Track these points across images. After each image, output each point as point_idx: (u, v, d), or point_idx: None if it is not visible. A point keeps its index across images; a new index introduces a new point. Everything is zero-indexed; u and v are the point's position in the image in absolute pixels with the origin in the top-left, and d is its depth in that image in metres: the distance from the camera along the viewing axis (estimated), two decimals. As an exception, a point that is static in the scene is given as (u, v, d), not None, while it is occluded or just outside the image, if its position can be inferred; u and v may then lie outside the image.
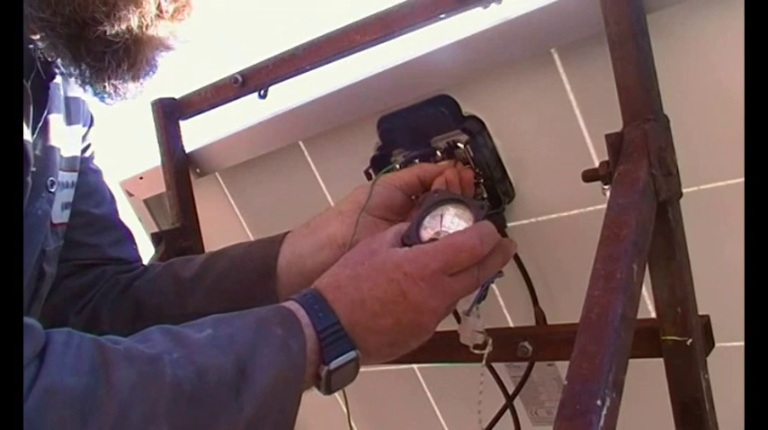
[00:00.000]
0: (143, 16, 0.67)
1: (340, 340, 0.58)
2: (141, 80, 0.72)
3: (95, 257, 0.89)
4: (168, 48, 0.72)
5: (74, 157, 0.84)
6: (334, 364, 0.57)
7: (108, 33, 0.66)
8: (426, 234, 0.67)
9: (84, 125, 0.87)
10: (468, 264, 0.61)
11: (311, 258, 0.77)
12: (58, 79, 0.77)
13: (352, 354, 0.58)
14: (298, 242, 0.79)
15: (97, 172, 0.92)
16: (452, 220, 0.68)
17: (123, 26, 0.66)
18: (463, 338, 0.70)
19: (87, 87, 0.71)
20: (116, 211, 0.94)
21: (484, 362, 0.70)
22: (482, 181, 0.83)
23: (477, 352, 0.69)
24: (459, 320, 0.71)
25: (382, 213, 0.76)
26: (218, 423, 0.50)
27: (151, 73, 0.73)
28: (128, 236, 0.94)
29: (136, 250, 0.94)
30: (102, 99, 0.72)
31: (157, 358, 0.50)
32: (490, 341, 0.69)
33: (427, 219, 0.68)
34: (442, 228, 0.68)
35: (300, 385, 0.56)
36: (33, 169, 0.70)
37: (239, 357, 0.53)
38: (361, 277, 0.60)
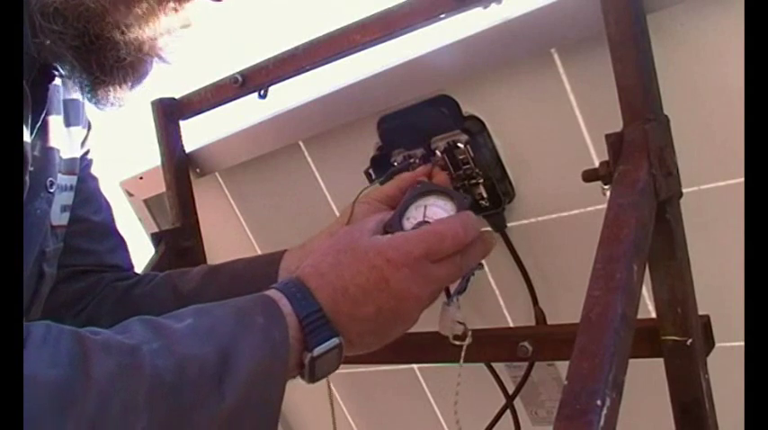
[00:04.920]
0: (154, 35, 0.69)
1: (322, 327, 0.57)
2: (135, 88, 0.73)
3: (93, 263, 0.90)
4: (166, 62, 0.73)
5: (73, 160, 0.84)
6: (317, 351, 0.56)
7: (121, 52, 0.67)
8: (409, 224, 0.67)
9: (83, 127, 0.88)
10: (452, 250, 0.61)
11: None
12: (58, 81, 0.77)
13: (335, 341, 0.58)
14: (293, 262, 0.80)
15: (96, 179, 0.93)
16: (435, 211, 0.67)
17: (136, 44, 0.68)
18: (442, 328, 0.69)
19: (86, 94, 0.71)
20: (113, 219, 0.95)
21: (462, 354, 0.69)
22: (482, 181, 0.83)
23: (456, 343, 0.69)
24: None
25: None
26: (200, 412, 0.50)
27: (144, 80, 0.74)
28: (123, 244, 0.95)
29: (130, 258, 0.96)
30: (96, 105, 0.73)
31: (136, 348, 0.49)
32: (470, 333, 0.68)
33: (410, 209, 0.68)
34: (425, 219, 0.67)
35: (284, 374, 0.55)
36: (31, 169, 0.71)
37: (221, 347, 0.52)
38: (343, 264, 0.60)
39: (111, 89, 0.70)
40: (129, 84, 0.71)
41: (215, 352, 0.52)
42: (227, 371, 0.52)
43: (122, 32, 0.67)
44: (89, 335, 0.49)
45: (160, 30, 0.69)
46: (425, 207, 0.68)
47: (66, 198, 0.82)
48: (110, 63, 0.68)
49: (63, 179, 0.81)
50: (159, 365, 0.49)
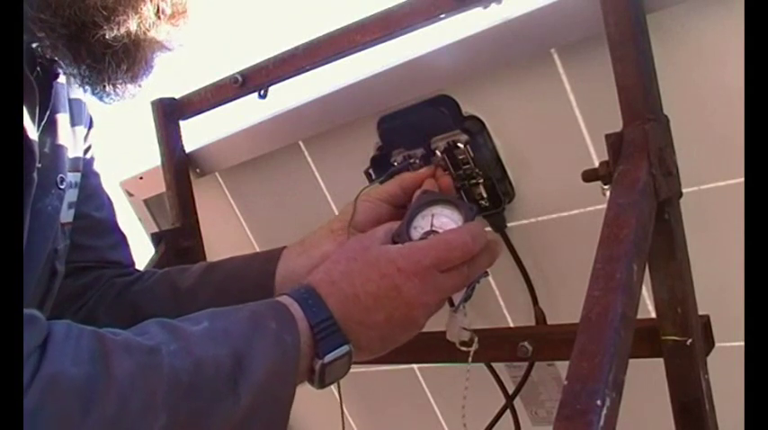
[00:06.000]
0: (142, 20, 0.68)
1: (333, 334, 0.59)
2: (139, 81, 0.72)
3: (95, 260, 0.90)
4: (166, 49, 0.72)
5: (77, 158, 0.84)
6: (328, 358, 0.58)
7: (108, 36, 0.66)
8: (416, 233, 0.68)
9: (85, 127, 0.88)
10: (460, 261, 0.63)
11: (305, 277, 0.78)
12: (62, 79, 0.77)
13: (345, 349, 0.59)
14: (292, 259, 0.80)
15: (97, 175, 0.93)
16: (442, 221, 0.69)
17: (123, 30, 0.67)
18: (450, 335, 0.70)
19: (87, 87, 0.71)
20: (114, 215, 0.95)
21: (470, 359, 0.71)
22: (481, 181, 0.83)
23: (463, 349, 0.71)
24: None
25: (372, 227, 0.76)
26: (216, 412, 0.51)
27: (148, 73, 0.73)
28: (124, 240, 0.95)
29: (131, 255, 0.96)
30: (100, 99, 0.72)
31: (155, 349, 0.51)
32: (476, 339, 0.70)
33: (417, 218, 0.69)
34: (433, 228, 0.68)
35: (294, 378, 0.57)
36: (39, 165, 0.70)
37: (235, 349, 0.54)
38: (354, 272, 0.61)
39: (106, 78, 0.69)
40: (127, 72, 0.70)
41: (230, 354, 0.53)
42: (242, 372, 0.53)
43: (106, 17, 0.65)
44: (109, 335, 0.50)
45: (148, 14, 0.68)
46: (432, 216, 0.69)
47: (72, 195, 0.83)
48: (99, 50, 0.67)
49: (69, 176, 0.81)
50: (177, 366, 0.50)
